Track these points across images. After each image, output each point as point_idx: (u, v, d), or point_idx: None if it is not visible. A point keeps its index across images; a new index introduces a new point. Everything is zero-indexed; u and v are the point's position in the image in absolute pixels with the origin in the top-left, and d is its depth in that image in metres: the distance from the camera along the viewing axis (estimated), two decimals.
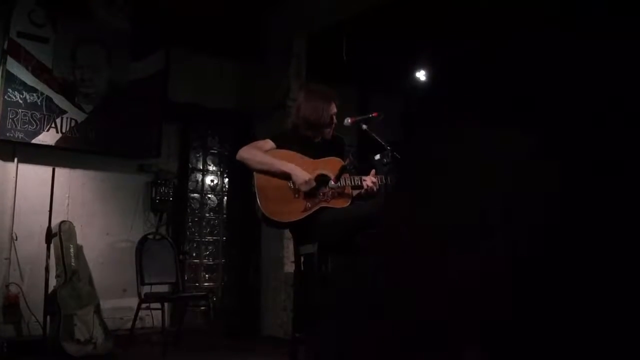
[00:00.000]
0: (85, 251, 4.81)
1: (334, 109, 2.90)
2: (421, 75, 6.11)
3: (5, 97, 4.42)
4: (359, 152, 5.99)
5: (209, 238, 5.73)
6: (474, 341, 1.52)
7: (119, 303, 4.91)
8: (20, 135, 4.46)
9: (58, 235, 4.47)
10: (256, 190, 2.68)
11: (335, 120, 2.93)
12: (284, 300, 5.17)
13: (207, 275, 5.65)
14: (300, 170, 2.72)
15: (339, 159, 2.86)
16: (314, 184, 2.71)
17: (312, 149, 2.87)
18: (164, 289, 4.86)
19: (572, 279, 1.41)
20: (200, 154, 5.78)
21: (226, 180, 5.89)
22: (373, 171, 2.80)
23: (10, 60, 4.46)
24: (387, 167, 2.62)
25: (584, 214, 1.42)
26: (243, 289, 5.69)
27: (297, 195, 2.71)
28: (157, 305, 4.49)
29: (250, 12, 5.71)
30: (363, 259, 2.61)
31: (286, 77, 5.43)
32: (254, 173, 2.73)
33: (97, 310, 4.35)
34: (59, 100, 4.66)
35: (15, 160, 4.57)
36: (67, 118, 4.68)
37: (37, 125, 4.54)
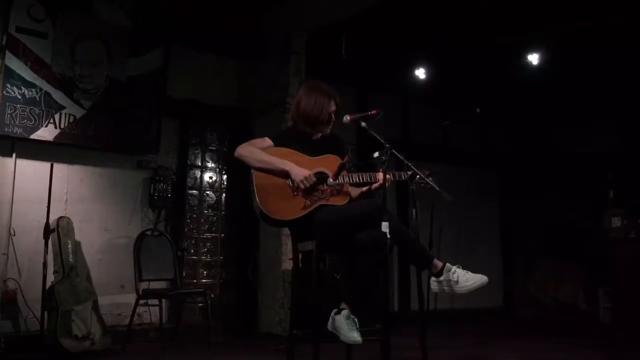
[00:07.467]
0: (83, 247, 4.81)
1: (333, 106, 2.89)
2: (420, 73, 6.11)
3: (4, 92, 4.41)
4: (358, 150, 5.99)
5: (207, 235, 5.73)
6: None
7: (116, 299, 4.91)
8: (18, 131, 4.45)
9: (56, 231, 4.46)
10: (255, 188, 2.68)
11: (333, 118, 2.92)
12: (282, 298, 5.18)
13: (205, 272, 5.65)
14: (299, 167, 2.71)
15: (337, 156, 2.85)
16: (314, 179, 2.70)
17: (310, 147, 2.87)
18: (162, 285, 4.85)
19: None
20: (199, 150, 5.77)
21: (225, 177, 5.88)
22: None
23: (9, 55, 4.45)
24: (385, 165, 2.61)
25: None
26: (241, 286, 5.70)
27: (296, 193, 2.70)
28: (155, 301, 4.50)
29: (250, 9, 5.70)
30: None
31: (285, 74, 5.42)
32: (253, 170, 2.73)
33: (95, 306, 4.34)
34: (57, 95, 4.65)
35: (14, 155, 4.56)
36: (65, 114, 4.68)
37: (35, 121, 4.53)
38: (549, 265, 7.24)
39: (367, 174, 2.80)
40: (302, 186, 2.68)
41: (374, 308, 2.71)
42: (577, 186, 6.93)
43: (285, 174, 2.70)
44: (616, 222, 5.81)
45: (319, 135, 2.95)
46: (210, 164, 5.83)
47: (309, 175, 2.69)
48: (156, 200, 5.20)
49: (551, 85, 6.81)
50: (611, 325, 5.89)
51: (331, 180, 2.72)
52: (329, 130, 2.94)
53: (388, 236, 2.40)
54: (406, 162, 2.63)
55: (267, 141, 2.85)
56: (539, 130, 7.99)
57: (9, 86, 4.44)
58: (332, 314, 2.63)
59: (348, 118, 2.80)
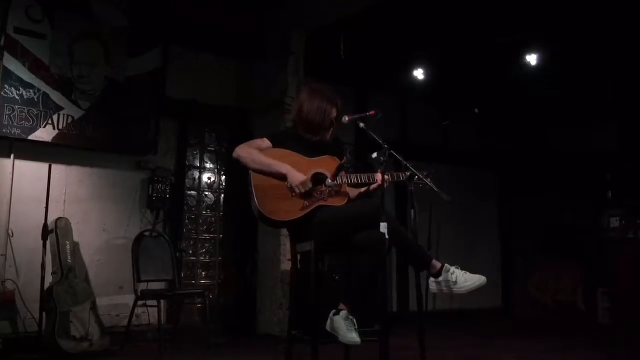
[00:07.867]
0: (82, 248, 4.80)
1: (334, 113, 2.87)
2: (419, 73, 6.10)
3: (2, 93, 4.40)
4: (357, 151, 5.99)
5: (206, 236, 5.72)
6: None
7: (115, 300, 4.90)
8: (17, 132, 4.44)
9: (54, 232, 4.46)
10: (253, 189, 2.67)
11: (335, 124, 2.90)
12: (281, 299, 5.17)
13: (203, 273, 5.64)
14: (296, 172, 2.70)
15: (335, 157, 2.84)
16: (310, 185, 2.69)
17: (309, 148, 2.85)
18: (160, 286, 4.84)
19: None
20: (198, 151, 5.76)
21: (223, 178, 5.88)
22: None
23: (7, 56, 4.44)
24: (383, 166, 2.60)
25: None
26: (240, 287, 5.69)
27: (294, 194, 2.70)
28: (154, 302, 4.48)
29: (249, 9, 5.69)
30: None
31: (285, 75, 5.41)
32: (251, 171, 2.72)
33: (94, 308, 4.34)
34: (55, 96, 4.64)
35: (12, 156, 4.55)
36: (64, 115, 4.67)
37: (33, 122, 4.52)
38: (548, 266, 7.23)
39: (366, 174, 2.80)
40: (297, 191, 2.68)
41: (373, 309, 2.71)
42: (576, 186, 6.92)
43: (282, 177, 2.70)
44: (615, 222, 5.82)
45: (319, 138, 2.94)
46: (209, 165, 5.82)
47: (306, 180, 2.68)
48: (155, 201, 5.19)
49: (550, 85, 6.81)
50: (610, 326, 5.89)
51: (330, 181, 2.71)
52: (329, 136, 2.93)
53: (387, 237, 2.39)
54: (405, 162, 2.62)
55: (266, 142, 2.84)
56: (538, 130, 7.99)
57: (8, 87, 4.43)
58: (331, 314, 2.62)
59: (347, 119, 2.79)
